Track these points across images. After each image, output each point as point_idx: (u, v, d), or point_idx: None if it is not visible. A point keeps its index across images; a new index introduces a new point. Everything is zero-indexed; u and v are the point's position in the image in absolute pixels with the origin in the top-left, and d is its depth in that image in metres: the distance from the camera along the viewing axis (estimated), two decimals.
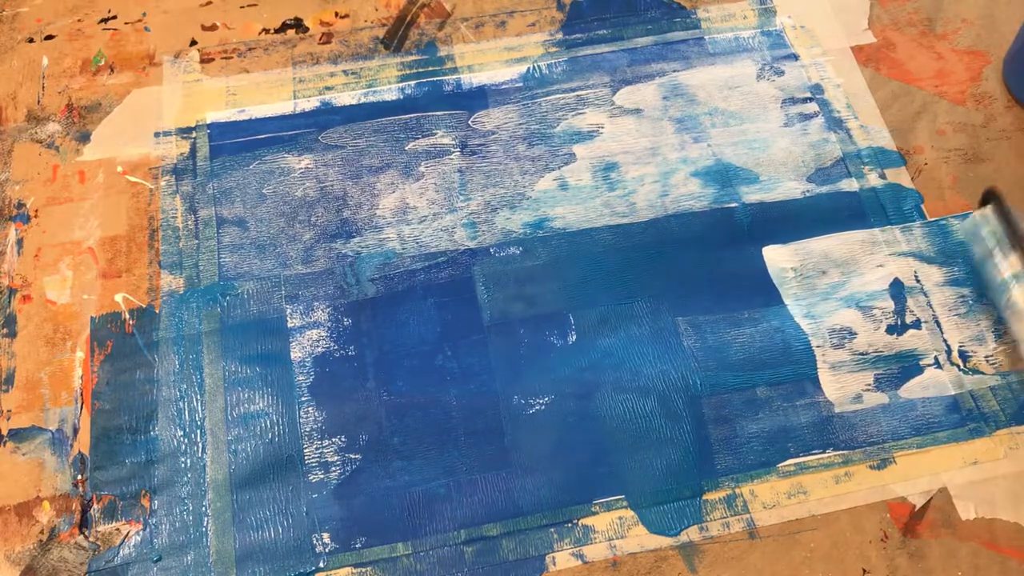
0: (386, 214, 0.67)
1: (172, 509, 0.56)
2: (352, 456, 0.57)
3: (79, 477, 0.57)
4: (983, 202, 0.63)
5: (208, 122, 0.71)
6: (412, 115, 0.71)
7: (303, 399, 0.59)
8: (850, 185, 0.68)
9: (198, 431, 0.58)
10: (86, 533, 0.55)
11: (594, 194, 0.68)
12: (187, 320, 0.62)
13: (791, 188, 0.68)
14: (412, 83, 0.73)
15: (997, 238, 0.61)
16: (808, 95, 0.73)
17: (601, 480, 0.57)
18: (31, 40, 0.75)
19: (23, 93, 0.72)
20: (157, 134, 0.70)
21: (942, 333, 0.62)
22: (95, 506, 0.56)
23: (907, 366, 0.61)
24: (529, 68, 0.74)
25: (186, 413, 0.59)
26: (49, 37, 0.75)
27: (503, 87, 0.73)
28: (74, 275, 0.64)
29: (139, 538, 0.55)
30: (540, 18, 0.77)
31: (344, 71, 0.74)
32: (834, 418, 0.59)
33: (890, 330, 0.62)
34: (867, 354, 0.61)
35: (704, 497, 0.56)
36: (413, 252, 0.65)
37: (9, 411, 0.59)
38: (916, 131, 0.71)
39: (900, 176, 0.69)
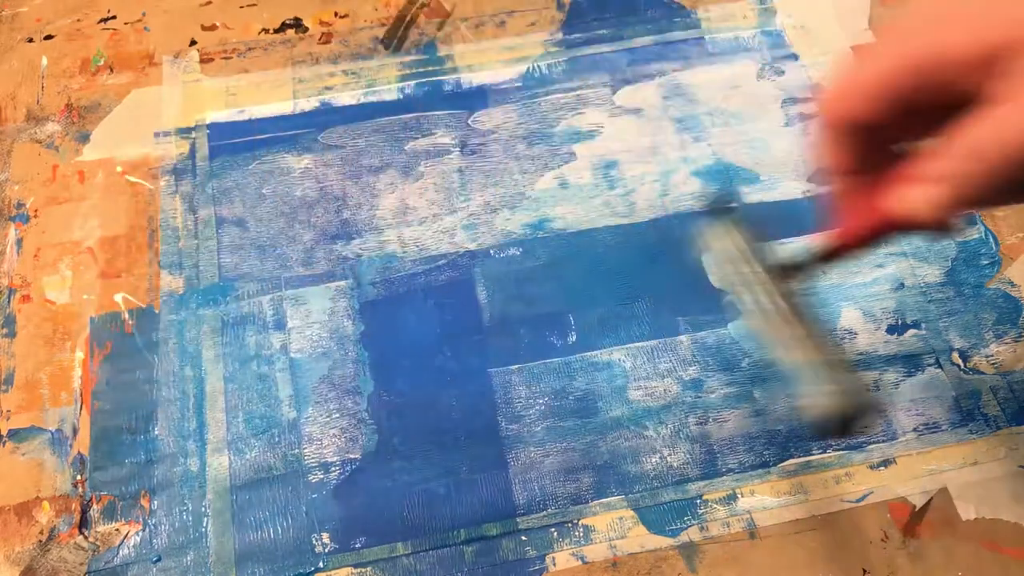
0: (386, 215, 0.66)
1: (172, 509, 0.56)
2: (352, 456, 0.57)
3: (79, 477, 0.56)
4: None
5: (208, 122, 0.71)
6: (412, 115, 0.71)
7: (303, 399, 0.59)
8: None
9: (198, 431, 0.58)
10: (86, 533, 0.55)
11: (594, 193, 0.67)
12: (187, 320, 0.62)
13: (791, 188, 0.68)
14: (412, 83, 0.73)
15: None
16: (809, 95, 0.73)
17: (601, 480, 0.57)
18: (30, 40, 0.75)
19: (22, 93, 0.72)
20: (157, 134, 0.70)
21: (942, 333, 0.62)
22: (95, 506, 0.56)
23: (907, 366, 0.61)
24: (529, 68, 0.74)
25: (186, 413, 0.59)
26: (48, 37, 0.75)
27: (503, 87, 0.73)
28: (74, 275, 0.64)
29: (139, 538, 0.55)
30: (540, 18, 0.77)
31: (344, 71, 0.74)
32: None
33: (890, 330, 0.62)
34: (867, 354, 0.61)
35: (704, 497, 0.56)
36: (414, 256, 0.65)
37: (8, 411, 0.59)
38: None
39: None
